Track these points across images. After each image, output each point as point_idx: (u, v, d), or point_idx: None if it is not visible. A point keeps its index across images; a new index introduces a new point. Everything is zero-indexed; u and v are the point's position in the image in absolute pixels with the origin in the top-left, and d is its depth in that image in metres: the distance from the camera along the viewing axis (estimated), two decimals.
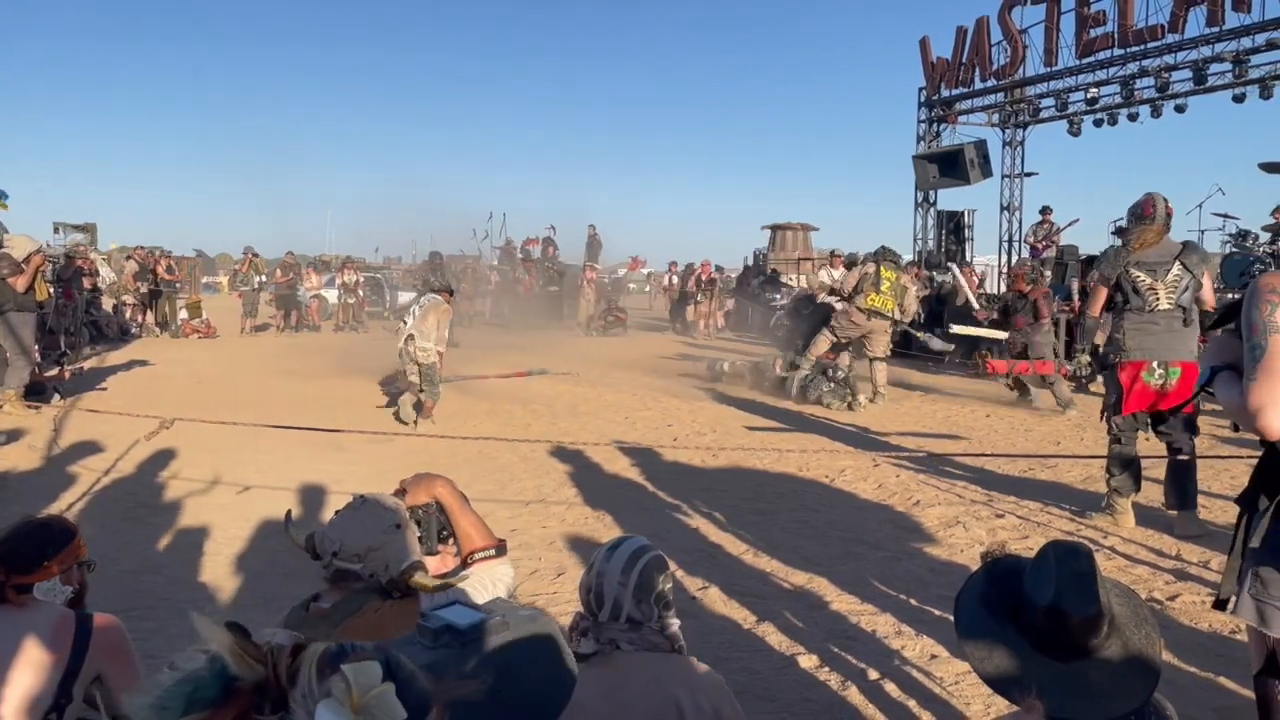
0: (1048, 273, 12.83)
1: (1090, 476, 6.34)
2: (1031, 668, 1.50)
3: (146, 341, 16.83)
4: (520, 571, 4.24)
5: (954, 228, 18.76)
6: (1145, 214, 5.16)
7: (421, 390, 8.51)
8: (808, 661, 3.56)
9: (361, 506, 1.88)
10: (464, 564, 1.90)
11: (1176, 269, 5.06)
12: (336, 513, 1.91)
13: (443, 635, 0.95)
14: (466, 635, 0.95)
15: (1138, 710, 1.53)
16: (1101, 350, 5.72)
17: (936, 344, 12.19)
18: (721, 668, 2.30)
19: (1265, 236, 11.88)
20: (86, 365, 12.52)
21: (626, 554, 1.90)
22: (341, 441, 7.22)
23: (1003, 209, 18.90)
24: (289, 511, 2.47)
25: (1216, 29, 13.56)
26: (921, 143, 19.09)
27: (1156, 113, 15.16)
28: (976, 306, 10.75)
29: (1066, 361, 9.97)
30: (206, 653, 0.68)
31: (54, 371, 10.67)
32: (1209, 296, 5.17)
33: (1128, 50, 14.75)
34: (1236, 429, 2.20)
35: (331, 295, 21.58)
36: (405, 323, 8.66)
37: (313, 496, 5.87)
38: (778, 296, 18.80)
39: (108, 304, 17.96)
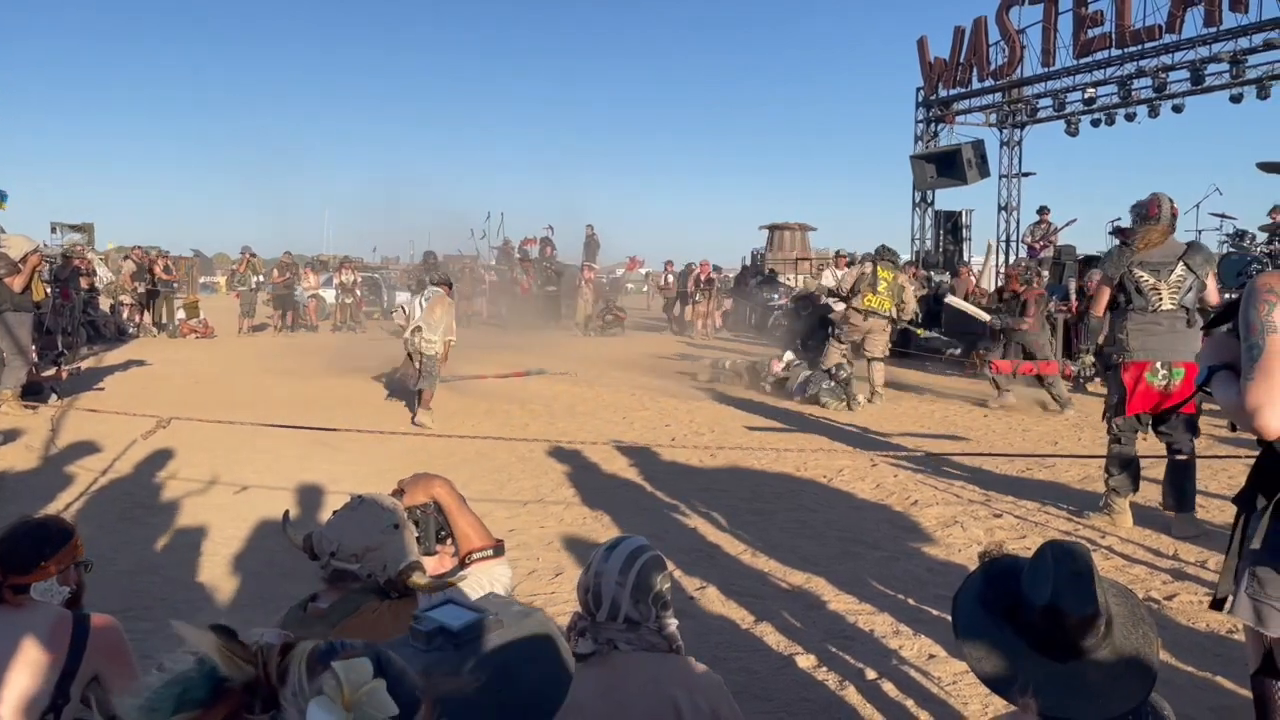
0: (1045, 273, 12.80)
1: (1088, 476, 6.34)
2: (1029, 667, 1.49)
3: (144, 341, 16.80)
4: (518, 571, 4.24)
5: (951, 227, 18.79)
6: (1150, 214, 5.14)
7: (420, 380, 8.76)
8: (805, 661, 3.56)
9: (359, 506, 1.87)
10: (462, 564, 1.90)
11: (1180, 269, 5.04)
12: (334, 513, 1.91)
13: (436, 638, 0.94)
14: (460, 636, 0.94)
15: (1135, 710, 1.53)
16: (1104, 350, 5.69)
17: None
18: (719, 667, 2.29)
19: (1262, 236, 11.91)
20: (83, 365, 12.50)
21: (624, 554, 1.89)
22: (339, 441, 7.22)
23: (1000, 209, 18.93)
24: (287, 511, 2.46)
25: (1214, 29, 13.60)
26: (919, 143, 19.12)
27: (1154, 113, 15.19)
28: (984, 319, 10.48)
29: (1069, 361, 9.95)
30: (195, 654, 0.67)
31: (51, 371, 10.63)
32: (1214, 297, 5.13)
33: (1125, 50, 14.78)
34: (1234, 428, 2.20)
35: (329, 295, 21.57)
36: (402, 309, 9.21)
37: (310, 496, 5.87)
38: (775, 296, 18.80)
39: (105, 304, 17.95)
